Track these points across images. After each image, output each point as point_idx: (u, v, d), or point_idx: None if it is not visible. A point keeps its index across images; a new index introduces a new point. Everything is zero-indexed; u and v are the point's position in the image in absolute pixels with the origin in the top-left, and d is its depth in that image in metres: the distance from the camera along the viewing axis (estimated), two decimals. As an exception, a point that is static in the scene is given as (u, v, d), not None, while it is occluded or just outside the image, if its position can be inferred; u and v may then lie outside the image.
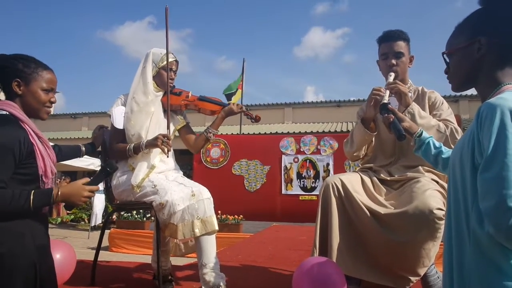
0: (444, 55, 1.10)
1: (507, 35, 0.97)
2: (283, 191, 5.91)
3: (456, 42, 1.07)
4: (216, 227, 1.91)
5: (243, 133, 9.23)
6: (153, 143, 1.94)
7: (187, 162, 7.87)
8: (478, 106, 0.93)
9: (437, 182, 1.76)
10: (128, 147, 1.99)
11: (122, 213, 7.10)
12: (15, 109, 1.31)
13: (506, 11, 0.97)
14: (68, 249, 1.95)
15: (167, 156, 2.00)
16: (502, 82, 0.98)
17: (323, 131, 11.49)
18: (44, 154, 1.32)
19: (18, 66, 1.35)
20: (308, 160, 5.90)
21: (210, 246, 1.91)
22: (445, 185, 1.74)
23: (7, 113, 1.29)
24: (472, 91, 1.07)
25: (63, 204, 1.35)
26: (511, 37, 0.97)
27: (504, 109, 0.84)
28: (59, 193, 1.28)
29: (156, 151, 2.02)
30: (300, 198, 5.84)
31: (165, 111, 2.12)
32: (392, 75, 1.85)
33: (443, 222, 1.50)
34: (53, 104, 1.43)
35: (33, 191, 1.23)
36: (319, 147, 5.87)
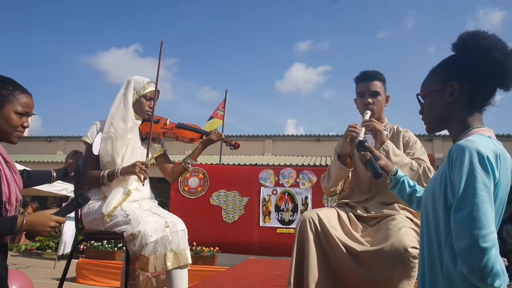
0: (419, 97, 1.15)
1: (477, 82, 1.02)
2: (261, 223, 5.85)
3: (430, 84, 1.11)
4: (189, 261, 1.85)
5: (222, 163, 9.18)
6: (130, 170, 1.90)
7: (164, 190, 7.71)
8: (451, 146, 0.96)
9: (411, 219, 1.77)
10: (102, 174, 1.93)
11: (91, 242, 6.80)
12: None
13: (477, 59, 1.02)
14: (24, 279, 1.83)
15: (143, 185, 1.95)
16: (471, 126, 1.02)
17: (302, 164, 11.58)
18: (10, 181, 1.27)
19: None
20: (286, 193, 5.89)
21: (182, 280, 1.84)
22: (419, 223, 1.75)
23: None
24: (446, 131, 1.12)
25: (24, 232, 1.28)
26: (480, 84, 1.02)
27: (472, 150, 0.87)
28: (24, 221, 1.23)
29: (132, 178, 1.97)
30: (277, 231, 5.78)
31: (142, 139, 2.10)
32: (369, 113, 1.91)
33: (417, 260, 1.50)
34: (25, 129, 1.39)
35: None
36: (298, 180, 5.90)
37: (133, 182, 1.98)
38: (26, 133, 1.42)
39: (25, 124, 1.37)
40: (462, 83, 1.03)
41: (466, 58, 1.05)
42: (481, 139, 0.93)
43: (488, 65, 1.00)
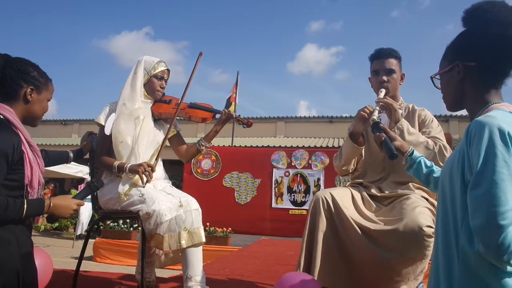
0: (434, 78, 1.13)
1: (482, 59, 0.99)
2: (273, 205, 5.88)
3: (441, 65, 1.10)
4: (203, 239, 1.88)
5: (234, 145, 9.21)
6: (135, 169, 1.89)
7: (177, 172, 7.81)
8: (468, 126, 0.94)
9: (427, 199, 1.76)
10: (113, 164, 1.94)
11: (108, 222, 6.98)
12: (11, 114, 1.30)
13: (477, 35, 0.99)
14: (44, 257, 1.89)
15: (143, 186, 1.92)
16: (488, 102, 0.99)
17: (315, 146, 11.54)
18: (33, 163, 1.30)
19: (34, 74, 1.37)
20: (299, 175, 5.89)
21: (197, 258, 1.87)
22: (435, 202, 1.74)
23: (2, 117, 1.28)
24: (462, 112, 1.10)
25: (46, 215, 1.34)
26: (486, 61, 0.98)
27: (492, 127, 0.85)
28: (51, 204, 1.30)
29: (146, 158, 1.99)
30: (290, 212, 5.81)
31: (155, 120, 2.11)
32: (383, 91, 1.87)
33: (432, 239, 1.50)
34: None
35: (25, 200, 1.24)
36: (310, 161, 5.88)
37: (149, 160, 2.00)
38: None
39: (47, 109, 1.45)
40: (466, 61, 1.00)
41: (469, 35, 1.02)
42: (502, 114, 0.90)
43: (488, 41, 0.96)
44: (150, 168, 1.90)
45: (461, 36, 1.05)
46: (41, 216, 1.33)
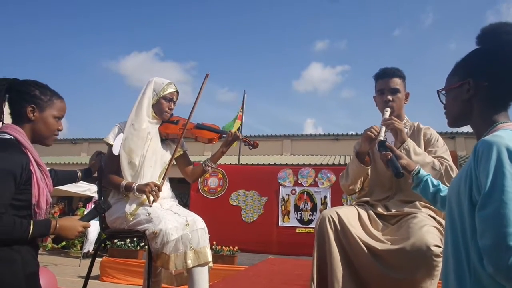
0: (440, 92, 1.13)
1: (495, 79, 0.99)
2: (280, 223, 5.84)
3: (450, 81, 1.10)
4: (210, 259, 1.87)
5: (241, 164, 9.21)
6: (142, 189, 1.91)
7: (185, 190, 7.81)
8: (474, 143, 0.94)
9: (434, 218, 1.74)
10: (121, 183, 1.96)
11: (115, 241, 6.95)
12: (20, 134, 1.32)
13: (493, 55, 0.99)
14: (49, 277, 1.89)
15: (150, 206, 1.94)
16: (496, 121, 0.99)
17: (321, 163, 11.49)
18: (41, 183, 1.31)
19: (35, 93, 1.38)
20: (305, 193, 5.86)
21: (203, 278, 1.86)
22: (442, 221, 1.72)
23: (12, 137, 1.30)
24: (468, 128, 1.10)
25: (53, 236, 1.35)
26: (499, 81, 0.99)
27: (500, 146, 0.85)
28: (57, 225, 1.31)
29: (154, 177, 2.01)
30: (297, 231, 5.76)
31: (162, 140, 2.14)
32: (388, 110, 1.88)
33: (441, 259, 1.48)
34: (59, 132, 1.46)
35: (32, 221, 1.25)
36: (316, 179, 5.86)
37: (157, 179, 2.01)
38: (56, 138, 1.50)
39: (60, 127, 1.44)
40: (478, 80, 1.00)
41: (484, 54, 1.02)
42: (510, 134, 0.89)
43: (503, 62, 0.97)
44: (157, 188, 1.92)
45: (475, 54, 1.05)
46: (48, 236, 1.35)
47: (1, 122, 1.37)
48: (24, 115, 1.35)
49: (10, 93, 1.37)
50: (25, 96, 1.36)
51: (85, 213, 1.49)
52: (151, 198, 1.90)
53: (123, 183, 1.95)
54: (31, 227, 1.23)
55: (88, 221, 1.46)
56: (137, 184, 1.94)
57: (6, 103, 1.39)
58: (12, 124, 1.35)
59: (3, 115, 1.37)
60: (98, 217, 2.10)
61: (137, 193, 1.94)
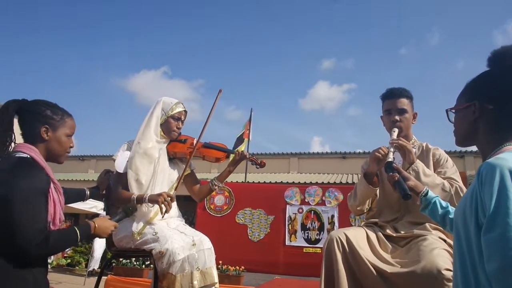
0: (449, 111, 1.14)
1: (501, 103, 0.99)
2: (287, 242, 5.76)
3: (459, 101, 1.11)
4: (216, 280, 1.85)
5: (248, 181, 9.19)
6: (154, 199, 1.92)
7: (191, 208, 7.78)
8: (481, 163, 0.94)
9: (444, 240, 1.71)
10: (132, 197, 1.96)
11: (120, 259, 6.90)
12: (36, 153, 1.35)
13: (500, 79, 0.99)
14: None
15: (162, 217, 1.94)
16: (501, 143, 0.99)
17: (328, 182, 11.41)
18: (56, 201, 1.34)
19: (47, 113, 1.41)
20: (312, 211, 5.80)
21: (209, 299, 1.83)
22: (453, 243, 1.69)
23: (28, 156, 1.33)
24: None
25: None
26: (505, 105, 0.99)
27: (503, 169, 0.85)
28: (96, 226, 1.44)
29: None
30: (304, 251, 5.67)
31: (170, 159, 2.15)
32: (396, 131, 1.88)
33: (451, 284, 1.44)
34: (71, 149, 1.50)
35: (75, 227, 1.37)
36: (324, 198, 5.80)
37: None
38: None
39: (71, 145, 1.48)
40: (484, 103, 1.01)
41: (490, 77, 1.03)
42: None
43: (508, 86, 0.97)
44: (170, 198, 1.92)
45: (483, 77, 1.06)
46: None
47: (13, 143, 1.39)
48: (37, 135, 1.38)
49: (20, 114, 1.40)
50: (37, 117, 1.39)
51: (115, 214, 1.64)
52: (164, 209, 1.89)
53: (134, 195, 1.96)
54: (78, 232, 1.34)
55: (117, 222, 1.60)
56: (149, 195, 1.94)
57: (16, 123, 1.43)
58: (25, 143, 1.38)
59: (15, 135, 1.40)
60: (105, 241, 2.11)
61: (150, 204, 1.94)
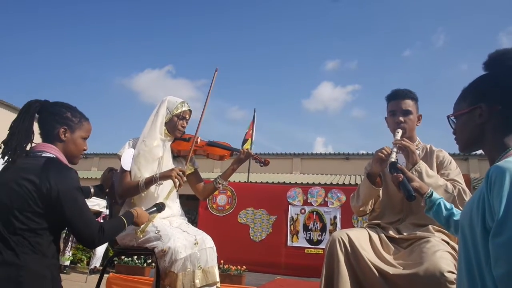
0: (450, 118, 1.13)
1: (507, 103, 0.99)
2: (289, 243, 5.75)
3: (459, 107, 1.10)
4: (217, 279, 1.86)
5: (250, 181, 9.19)
6: (167, 174, 1.92)
7: (193, 207, 7.80)
8: (487, 165, 0.93)
9: (447, 242, 1.70)
10: (140, 182, 1.95)
11: (122, 257, 6.93)
12: (60, 154, 1.40)
13: (504, 79, 0.99)
14: None
15: (177, 190, 1.98)
16: (509, 146, 0.98)
17: (331, 183, 11.38)
18: None
19: (67, 115, 1.46)
20: (315, 212, 5.79)
21: (210, 298, 1.83)
22: (456, 246, 1.68)
23: (54, 156, 1.37)
24: (481, 150, 1.10)
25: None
26: (511, 105, 0.99)
27: None
28: (137, 214, 1.59)
29: (162, 196, 2.02)
30: (305, 251, 5.66)
31: (174, 157, 2.15)
32: (400, 132, 1.87)
33: (454, 286, 1.44)
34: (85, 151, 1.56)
35: (120, 216, 1.54)
36: (326, 199, 5.78)
37: (163, 197, 2.02)
38: None
39: (85, 147, 1.52)
40: (491, 105, 1.00)
41: (494, 78, 1.02)
42: None
43: None
44: (182, 173, 1.93)
45: (485, 80, 1.05)
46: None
47: (32, 142, 1.42)
48: (56, 135, 1.42)
49: (41, 114, 1.45)
50: (57, 118, 1.44)
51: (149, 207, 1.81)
52: (177, 183, 1.90)
53: (142, 179, 1.95)
54: (124, 220, 1.49)
55: (150, 215, 1.76)
56: (160, 172, 1.95)
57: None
58: (45, 143, 1.42)
59: (34, 134, 1.43)
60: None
61: (161, 181, 1.94)
